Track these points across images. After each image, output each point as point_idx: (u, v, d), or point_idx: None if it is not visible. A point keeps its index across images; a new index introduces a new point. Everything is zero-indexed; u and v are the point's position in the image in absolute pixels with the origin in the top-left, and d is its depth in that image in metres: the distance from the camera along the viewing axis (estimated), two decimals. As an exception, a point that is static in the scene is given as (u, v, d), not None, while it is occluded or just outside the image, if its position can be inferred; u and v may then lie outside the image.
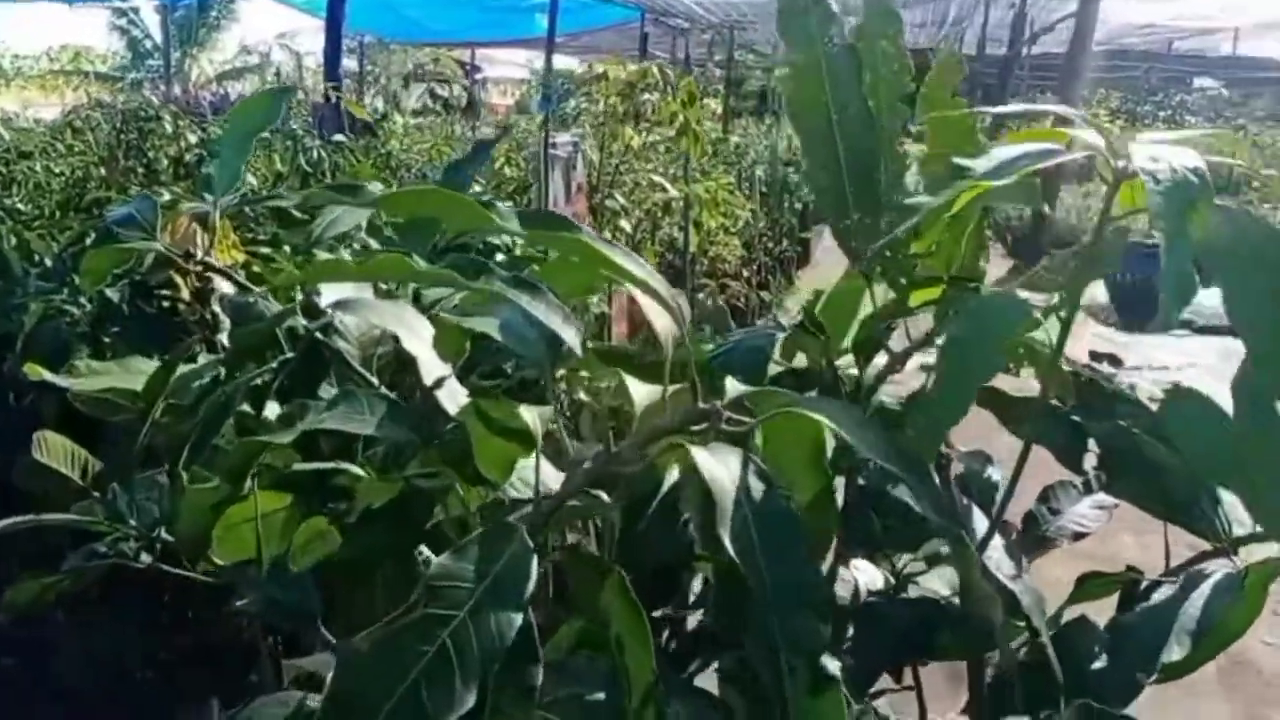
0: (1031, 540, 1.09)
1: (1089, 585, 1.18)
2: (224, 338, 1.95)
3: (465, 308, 1.03)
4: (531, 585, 0.61)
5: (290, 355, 0.99)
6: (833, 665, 0.62)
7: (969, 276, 0.99)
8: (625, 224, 3.77)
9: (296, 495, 0.92)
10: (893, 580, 1.05)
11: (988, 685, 1.00)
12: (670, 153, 4.58)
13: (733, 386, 0.74)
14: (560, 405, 1.99)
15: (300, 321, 1.01)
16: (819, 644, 0.62)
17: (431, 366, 0.91)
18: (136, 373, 1.10)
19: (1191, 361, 6.16)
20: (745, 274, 6.05)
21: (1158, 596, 1.14)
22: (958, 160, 0.81)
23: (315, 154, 2.76)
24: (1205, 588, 1.13)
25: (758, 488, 0.65)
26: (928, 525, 1.08)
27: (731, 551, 0.61)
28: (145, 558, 0.88)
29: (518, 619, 0.59)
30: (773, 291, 7.17)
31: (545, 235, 0.75)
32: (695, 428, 0.70)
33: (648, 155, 4.43)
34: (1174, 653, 1.06)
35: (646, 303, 0.72)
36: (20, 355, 1.80)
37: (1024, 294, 0.82)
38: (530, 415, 0.79)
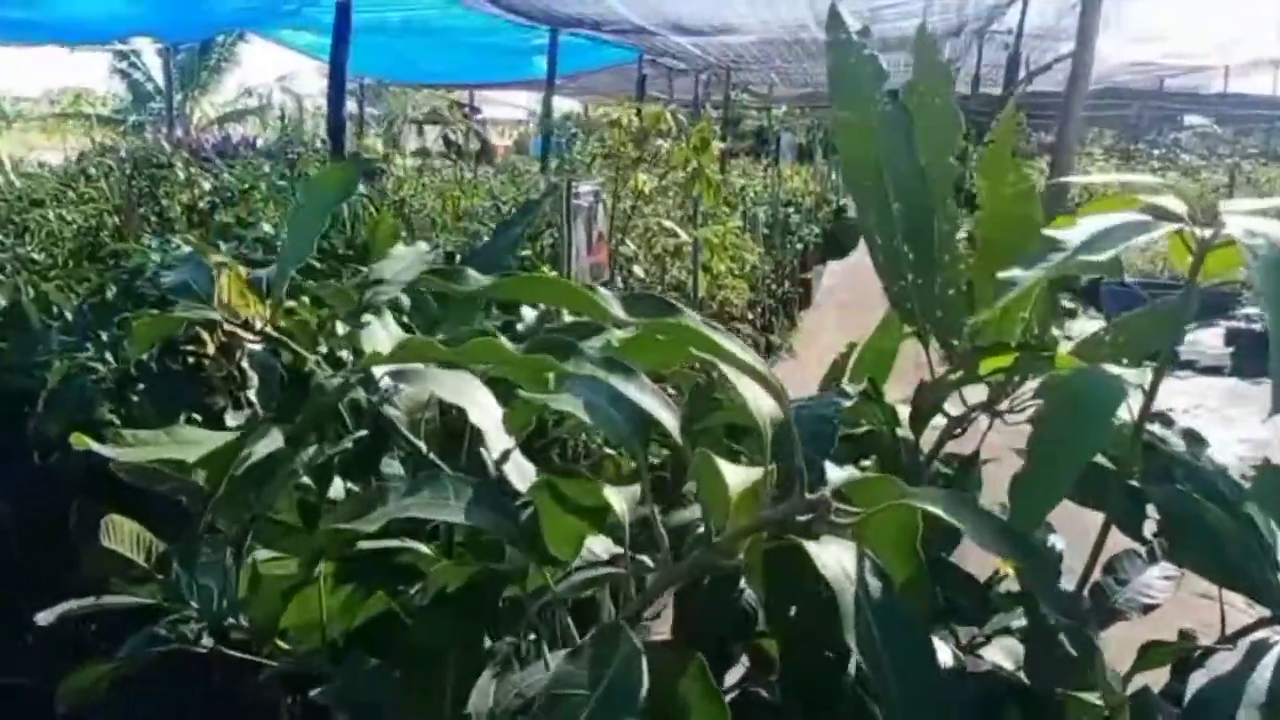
0: (1102, 613, 1.06)
1: (1152, 654, 1.15)
2: (253, 394, 1.93)
3: (511, 377, 1.01)
4: (644, 691, 0.59)
5: (362, 432, 0.96)
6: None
7: (1040, 345, 0.97)
8: (639, 269, 3.77)
9: (361, 573, 0.89)
10: (960, 654, 1.02)
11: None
12: (678, 197, 4.60)
13: (835, 474, 0.72)
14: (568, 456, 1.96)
15: (363, 394, 0.99)
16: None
17: (498, 440, 0.89)
18: (184, 442, 1.08)
19: (1198, 403, 6.17)
20: (750, 316, 6.05)
21: (1219, 666, 1.11)
22: (1051, 232, 0.80)
23: (333, 203, 2.73)
24: (1270, 659, 1.10)
25: (876, 586, 0.63)
26: (994, 599, 1.05)
27: (858, 656, 0.59)
28: (207, 640, 0.85)
29: None
30: (776, 333, 7.17)
31: (650, 320, 0.73)
32: (801, 518, 0.68)
33: (657, 200, 4.44)
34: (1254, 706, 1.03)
35: (747, 385, 0.70)
36: (43, 413, 1.78)
37: (1112, 369, 0.80)
38: (617, 498, 0.76)
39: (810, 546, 0.64)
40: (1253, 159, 18.71)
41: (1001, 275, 0.79)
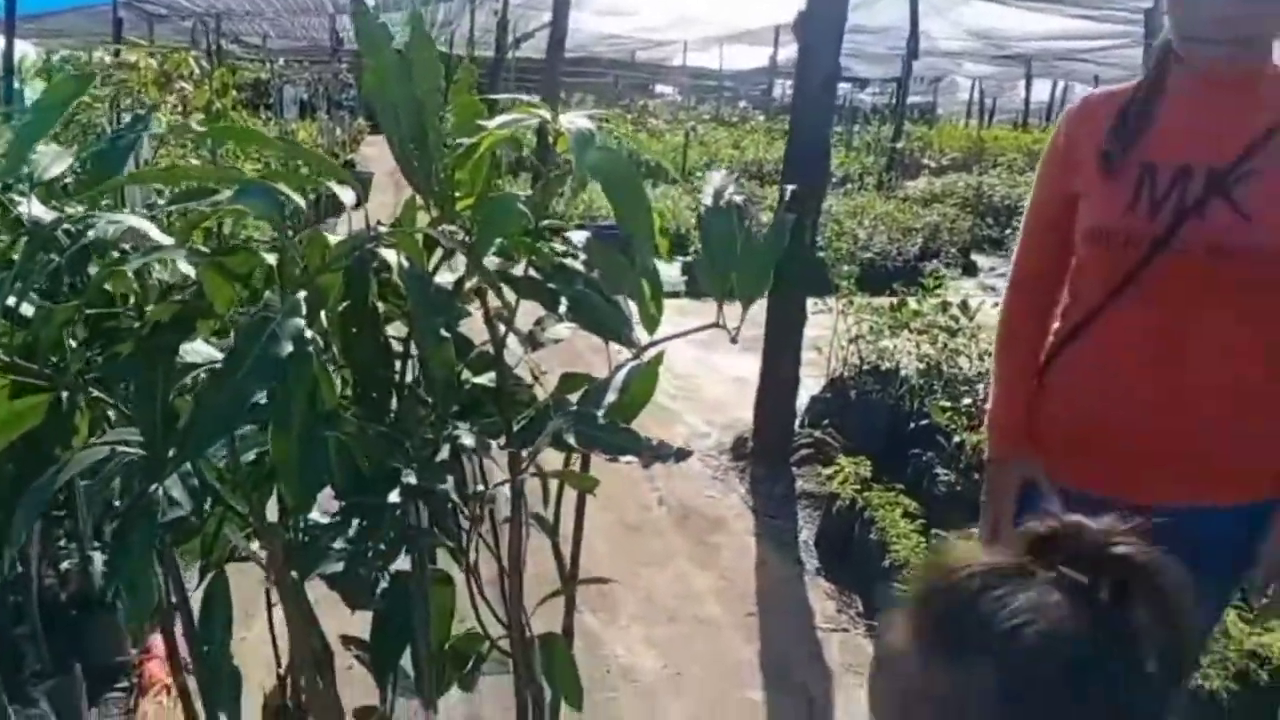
0: (534, 342, 1.89)
1: (569, 382, 2.00)
2: None
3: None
4: (302, 312, 1.24)
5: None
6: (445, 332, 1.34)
7: (486, 191, 1.73)
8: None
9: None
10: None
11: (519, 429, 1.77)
12: (197, 145, 4.89)
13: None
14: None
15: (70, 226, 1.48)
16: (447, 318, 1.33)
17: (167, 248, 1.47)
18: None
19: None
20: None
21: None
22: (480, 122, 1.55)
23: None
24: (623, 371, 2.00)
25: (414, 268, 1.35)
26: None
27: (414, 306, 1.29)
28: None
29: (302, 322, 1.21)
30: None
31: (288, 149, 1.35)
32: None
33: (175, 144, 4.71)
34: (609, 399, 1.90)
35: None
36: None
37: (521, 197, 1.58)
38: (272, 256, 1.39)
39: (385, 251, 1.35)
40: (705, 122, 21.85)
41: (453, 144, 1.54)
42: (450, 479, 1.58)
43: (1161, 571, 0.71)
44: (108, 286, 1.50)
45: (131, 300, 1.52)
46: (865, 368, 5.08)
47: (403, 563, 1.76)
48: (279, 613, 1.63)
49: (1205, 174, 1.65)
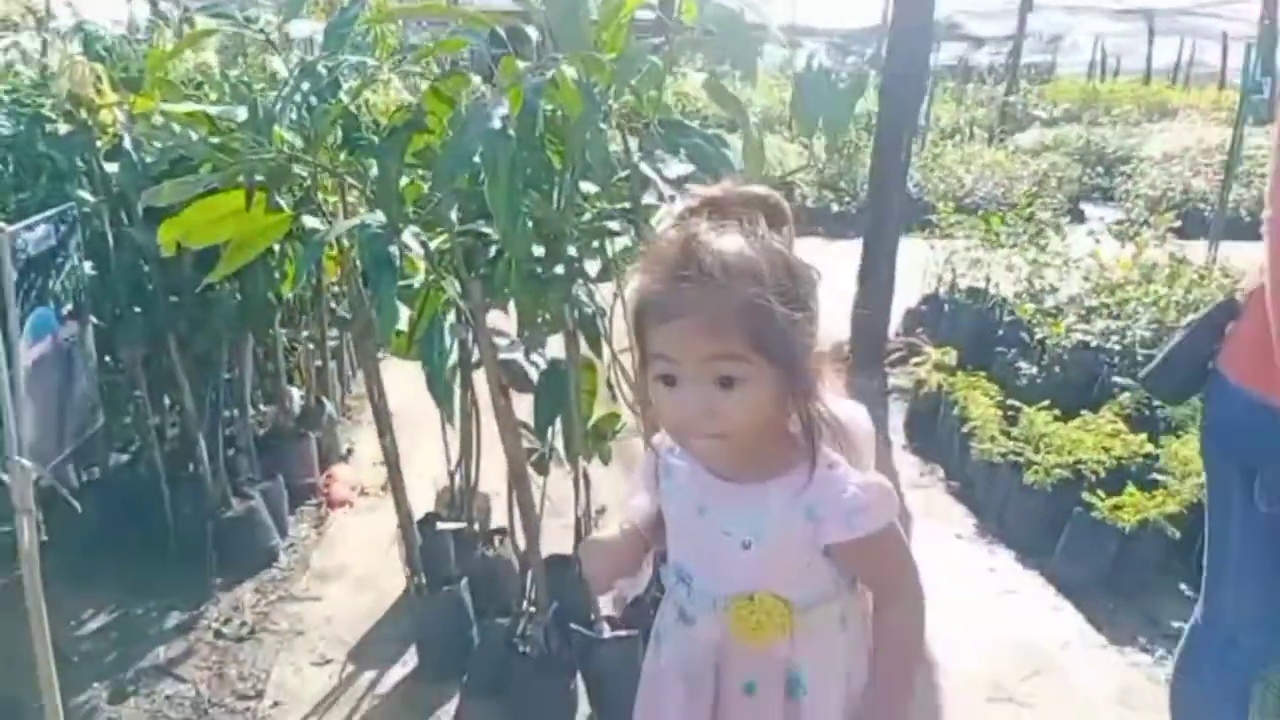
0: (660, 174, 2.35)
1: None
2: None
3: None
4: (505, 103, 1.73)
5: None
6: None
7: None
8: None
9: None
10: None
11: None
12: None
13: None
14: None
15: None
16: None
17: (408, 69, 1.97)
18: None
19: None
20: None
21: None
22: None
23: None
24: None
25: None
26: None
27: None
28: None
29: (505, 109, 1.71)
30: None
31: None
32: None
33: None
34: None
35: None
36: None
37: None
38: (476, 78, 1.89)
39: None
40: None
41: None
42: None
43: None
44: (351, 107, 2.03)
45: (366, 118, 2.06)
46: (959, 283, 5.42)
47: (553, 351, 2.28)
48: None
49: None
